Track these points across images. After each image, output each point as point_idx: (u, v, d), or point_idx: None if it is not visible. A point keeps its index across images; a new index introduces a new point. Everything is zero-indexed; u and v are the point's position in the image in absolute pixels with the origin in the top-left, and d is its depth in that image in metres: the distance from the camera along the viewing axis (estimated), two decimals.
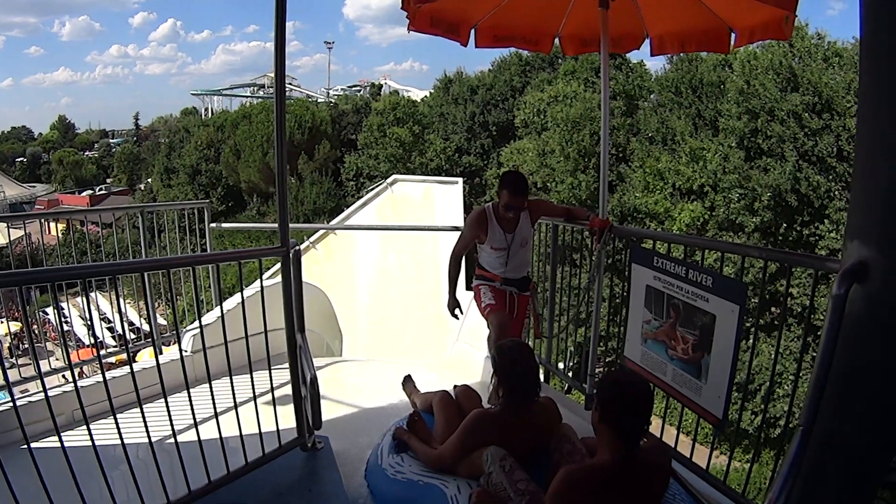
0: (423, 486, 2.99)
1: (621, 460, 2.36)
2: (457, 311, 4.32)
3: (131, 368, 2.89)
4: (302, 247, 3.17)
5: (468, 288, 4.42)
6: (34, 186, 57.45)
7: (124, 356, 5.40)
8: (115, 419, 2.50)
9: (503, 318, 4.06)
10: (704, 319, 2.99)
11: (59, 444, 2.33)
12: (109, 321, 9.99)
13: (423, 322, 9.11)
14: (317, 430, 3.30)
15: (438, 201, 10.96)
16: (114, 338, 10.18)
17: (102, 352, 5.45)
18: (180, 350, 3.45)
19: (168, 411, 2.70)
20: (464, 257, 4.30)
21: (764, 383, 15.94)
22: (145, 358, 8.53)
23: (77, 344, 9.32)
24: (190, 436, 2.83)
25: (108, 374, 3.08)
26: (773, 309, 17.99)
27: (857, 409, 2.03)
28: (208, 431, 2.87)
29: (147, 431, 2.62)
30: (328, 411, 3.20)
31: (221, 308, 3.23)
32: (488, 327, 4.16)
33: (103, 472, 2.43)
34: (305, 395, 3.20)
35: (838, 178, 17.54)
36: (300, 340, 3.18)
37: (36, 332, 9.69)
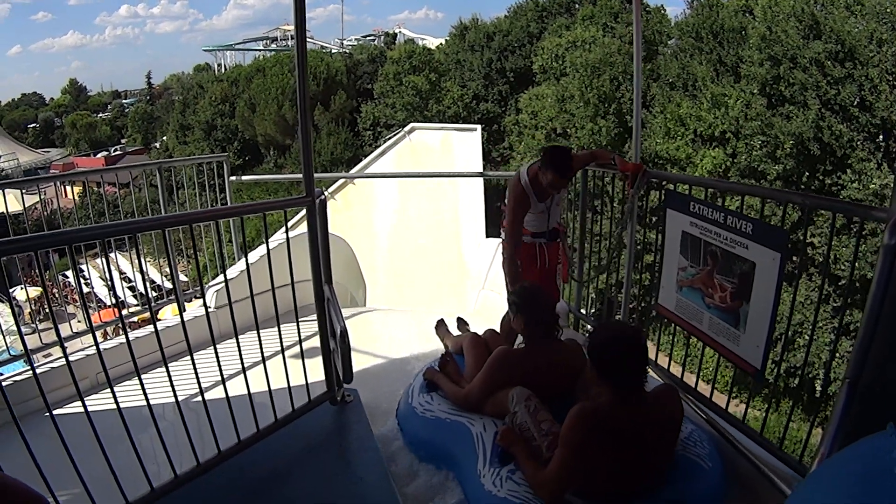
0: (449, 424, 3.06)
1: (622, 402, 2.39)
2: None
3: (155, 327, 2.83)
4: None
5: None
6: (48, 151, 57.35)
7: (147, 315, 5.37)
8: (140, 380, 2.45)
9: None
10: (744, 267, 2.89)
11: (83, 410, 2.28)
12: (130, 280, 10.00)
13: (443, 270, 9.18)
14: (347, 384, 3.26)
15: (457, 149, 10.85)
16: (135, 297, 10.21)
17: (124, 312, 5.46)
18: (205, 305, 3.39)
19: (195, 369, 2.64)
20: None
21: (785, 332, 15.87)
22: (167, 315, 8.56)
23: (98, 305, 9.39)
24: (218, 393, 2.78)
25: (132, 335, 3.01)
26: (793, 258, 17.80)
27: None
28: (236, 388, 2.83)
29: (174, 391, 2.57)
30: (355, 362, 3.16)
31: (247, 261, 3.14)
32: None
33: (130, 436, 2.39)
34: (334, 349, 3.15)
35: (861, 127, 17.09)
36: (328, 292, 3.11)
37: (56, 295, 9.78)
